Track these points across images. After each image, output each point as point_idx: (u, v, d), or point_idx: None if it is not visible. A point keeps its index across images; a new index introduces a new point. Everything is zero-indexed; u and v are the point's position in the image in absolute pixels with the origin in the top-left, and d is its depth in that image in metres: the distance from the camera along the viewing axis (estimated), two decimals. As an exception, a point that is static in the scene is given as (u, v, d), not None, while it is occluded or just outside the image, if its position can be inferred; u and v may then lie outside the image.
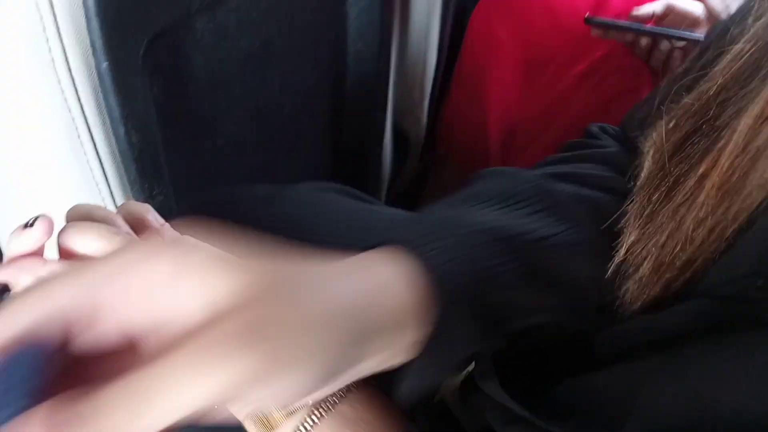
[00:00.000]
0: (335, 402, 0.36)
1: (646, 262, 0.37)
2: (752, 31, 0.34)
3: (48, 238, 0.36)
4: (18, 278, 0.36)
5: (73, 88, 0.48)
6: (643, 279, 0.38)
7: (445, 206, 0.42)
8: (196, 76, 0.61)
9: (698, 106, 0.36)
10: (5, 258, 0.37)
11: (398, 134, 1.11)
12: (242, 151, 0.74)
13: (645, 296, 0.38)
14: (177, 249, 0.27)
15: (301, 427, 0.36)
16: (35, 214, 0.35)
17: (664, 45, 0.92)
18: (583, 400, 0.39)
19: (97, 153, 0.52)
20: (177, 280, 0.27)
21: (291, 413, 0.36)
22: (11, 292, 0.36)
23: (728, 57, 0.35)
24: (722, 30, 0.41)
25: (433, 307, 0.34)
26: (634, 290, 0.39)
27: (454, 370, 0.42)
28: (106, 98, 0.49)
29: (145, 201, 0.58)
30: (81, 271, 0.27)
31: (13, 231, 0.36)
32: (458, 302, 0.36)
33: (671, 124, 0.38)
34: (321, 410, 0.36)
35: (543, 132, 0.99)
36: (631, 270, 0.38)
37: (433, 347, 0.36)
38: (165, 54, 0.55)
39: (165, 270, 0.27)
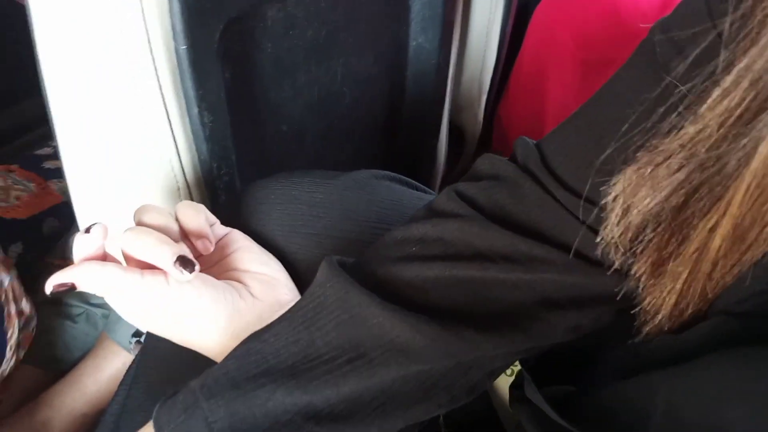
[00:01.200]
0: None
1: (663, 308, 0.37)
2: (747, 59, 0.29)
3: (104, 241, 0.44)
4: (81, 280, 0.42)
5: (153, 68, 0.51)
6: (662, 321, 0.37)
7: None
8: (264, 63, 0.64)
9: (692, 156, 0.32)
10: (75, 256, 0.44)
11: (454, 129, 1.12)
12: (303, 137, 0.76)
13: (665, 332, 0.38)
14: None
15: None
16: (94, 221, 0.44)
17: None
18: (605, 412, 0.39)
19: (172, 131, 0.55)
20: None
21: None
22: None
23: (718, 92, 0.30)
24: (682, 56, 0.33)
25: None
26: (654, 331, 0.39)
27: None
28: (182, 79, 0.52)
29: (213, 180, 0.61)
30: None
31: (77, 236, 0.44)
32: None
33: (664, 181, 0.33)
34: None
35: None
36: (649, 317, 0.38)
37: None
38: (237, 40, 0.58)
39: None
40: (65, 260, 0.96)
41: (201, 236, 0.48)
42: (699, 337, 0.35)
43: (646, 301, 0.37)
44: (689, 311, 0.36)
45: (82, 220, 0.68)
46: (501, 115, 1.20)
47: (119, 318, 0.87)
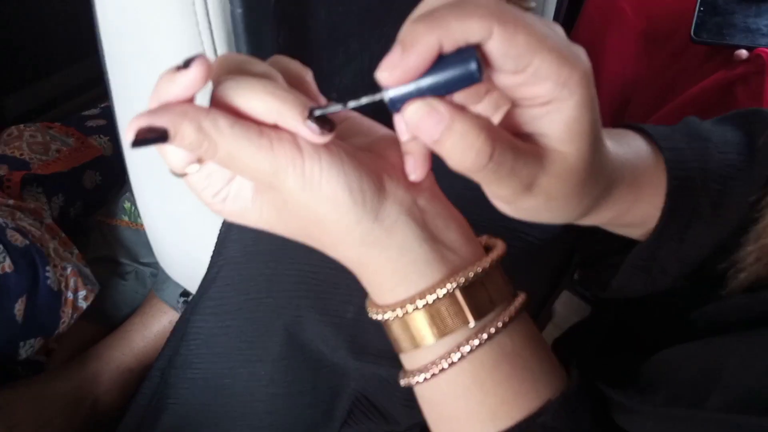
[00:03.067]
0: (495, 331, 0.35)
1: (749, 264, 0.38)
2: None
3: (204, 85, 0.30)
4: (180, 125, 0.30)
5: (208, 30, 0.51)
6: (760, 274, 0.38)
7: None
8: (318, 29, 0.63)
9: None
10: (153, 101, 0.31)
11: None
12: (354, 105, 0.75)
13: (752, 282, 0.39)
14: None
15: (458, 351, 0.35)
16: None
17: None
18: (673, 372, 0.39)
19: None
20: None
21: (446, 334, 0.35)
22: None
23: None
24: None
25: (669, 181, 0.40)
26: (744, 279, 0.39)
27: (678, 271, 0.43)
28: (237, 42, 0.52)
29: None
30: None
31: (163, 74, 0.30)
32: (694, 192, 0.41)
33: None
34: (481, 336, 0.35)
35: (658, 108, 0.96)
36: (744, 265, 0.38)
37: (664, 226, 0.41)
38: (293, 4, 0.57)
39: None
40: (116, 219, 0.99)
41: (312, 98, 0.35)
42: None
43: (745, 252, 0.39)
44: None
45: (134, 177, 0.69)
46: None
47: (167, 277, 0.89)
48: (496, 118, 0.34)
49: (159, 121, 0.30)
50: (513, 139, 0.32)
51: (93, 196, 1.00)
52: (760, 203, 0.39)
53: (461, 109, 0.31)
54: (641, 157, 0.40)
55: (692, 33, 0.90)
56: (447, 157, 0.31)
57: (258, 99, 0.31)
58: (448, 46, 0.29)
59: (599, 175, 0.35)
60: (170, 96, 0.30)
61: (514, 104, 0.33)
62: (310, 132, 0.31)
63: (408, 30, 0.29)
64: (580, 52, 0.31)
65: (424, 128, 0.31)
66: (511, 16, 0.29)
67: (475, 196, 0.48)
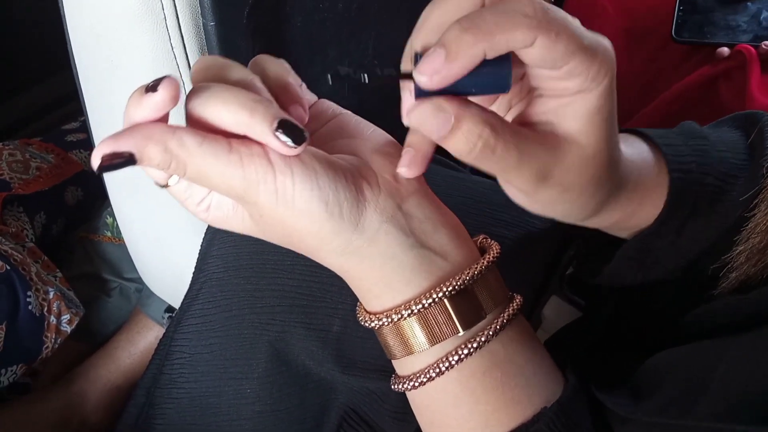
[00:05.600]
0: (486, 339, 0.35)
1: (739, 263, 0.38)
2: None
3: (174, 106, 0.30)
4: (145, 148, 0.30)
5: (181, 45, 0.50)
6: (737, 277, 0.38)
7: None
8: (294, 38, 0.63)
9: None
10: (126, 122, 0.31)
11: (488, 103, 1.09)
12: (334, 113, 0.75)
13: (740, 283, 0.39)
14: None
15: (446, 360, 0.35)
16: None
17: None
18: (663, 378, 0.39)
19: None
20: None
21: (437, 342, 0.35)
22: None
23: None
24: None
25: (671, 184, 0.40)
26: (734, 278, 0.39)
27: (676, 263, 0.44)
28: (211, 55, 0.51)
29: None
30: None
31: (133, 94, 0.30)
32: (691, 193, 0.41)
33: None
34: (470, 345, 0.35)
35: (643, 106, 0.95)
36: (735, 264, 0.39)
37: (664, 219, 0.41)
38: (267, 15, 0.56)
39: None
40: (99, 235, 0.97)
41: (293, 100, 0.35)
42: (765, 300, 0.35)
43: (735, 252, 0.39)
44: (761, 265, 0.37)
45: (113, 193, 0.68)
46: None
47: (152, 293, 0.88)
48: (509, 117, 0.35)
49: (123, 146, 0.29)
50: (521, 131, 0.32)
51: (75, 212, 0.99)
52: (752, 203, 0.39)
53: (467, 104, 0.31)
54: (644, 159, 0.41)
55: (673, 33, 0.90)
56: (452, 151, 0.32)
57: (226, 110, 0.30)
58: (491, 56, 0.30)
59: (613, 170, 0.36)
60: (139, 118, 0.30)
61: (536, 94, 0.33)
62: (279, 144, 0.30)
63: (455, 38, 0.29)
64: (607, 43, 0.32)
65: (431, 127, 0.31)
66: (554, 24, 0.29)
67: (455, 203, 0.48)
